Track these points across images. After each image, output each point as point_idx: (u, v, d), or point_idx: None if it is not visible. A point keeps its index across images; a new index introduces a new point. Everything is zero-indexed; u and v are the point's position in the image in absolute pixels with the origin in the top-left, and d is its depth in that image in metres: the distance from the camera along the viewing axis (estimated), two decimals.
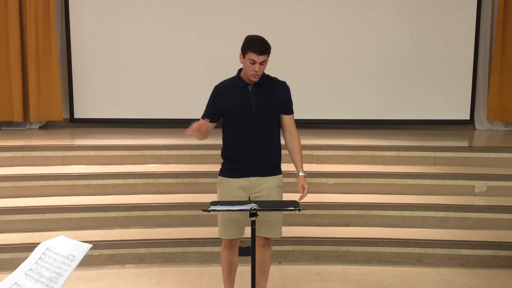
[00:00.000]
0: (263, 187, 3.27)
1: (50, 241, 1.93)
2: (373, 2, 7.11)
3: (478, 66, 7.22)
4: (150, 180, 5.14)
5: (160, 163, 5.50)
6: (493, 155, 5.58)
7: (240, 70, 3.27)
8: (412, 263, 4.43)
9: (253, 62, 3.10)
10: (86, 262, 4.10)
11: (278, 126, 3.34)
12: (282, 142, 3.35)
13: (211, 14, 7.02)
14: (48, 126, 7.19)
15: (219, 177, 3.36)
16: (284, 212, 3.53)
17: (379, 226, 4.78)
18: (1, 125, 7.01)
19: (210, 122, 3.22)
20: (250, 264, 2.82)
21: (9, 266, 4.11)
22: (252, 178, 3.27)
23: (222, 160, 3.38)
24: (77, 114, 7.14)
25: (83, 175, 5.15)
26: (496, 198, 5.08)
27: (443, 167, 5.46)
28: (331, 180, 5.19)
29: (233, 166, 3.29)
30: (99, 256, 4.33)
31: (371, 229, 4.72)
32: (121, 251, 4.39)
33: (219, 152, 3.39)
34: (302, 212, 2.88)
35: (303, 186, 3.26)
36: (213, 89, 3.32)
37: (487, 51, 7.21)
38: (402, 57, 7.15)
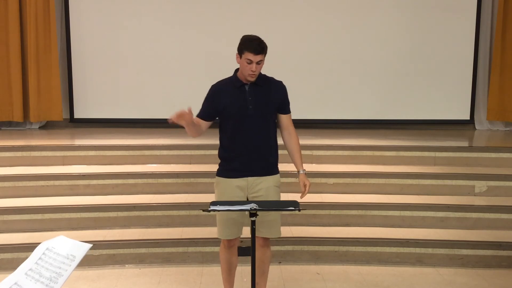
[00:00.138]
0: (261, 186, 3.27)
1: (50, 241, 1.93)
2: (373, 2, 7.11)
3: (478, 66, 7.22)
4: (150, 180, 5.15)
5: (160, 163, 5.50)
6: (493, 155, 5.58)
7: (236, 70, 3.27)
8: (412, 263, 4.43)
9: (250, 62, 3.10)
10: (86, 262, 4.10)
11: (274, 126, 3.34)
12: (279, 142, 3.35)
13: (211, 14, 7.02)
14: (48, 126, 7.19)
15: (217, 177, 3.36)
16: (284, 212, 3.53)
17: (379, 226, 4.78)
18: (1, 125, 7.01)
19: (204, 121, 3.24)
20: (250, 264, 2.82)
21: (9, 266, 4.11)
22: (249, 178, 3.27)
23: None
24: (77, 114, 7.15)
25: (83, 175, 5.15)
26: (496, 198, 5.08)
27: (443, 167, 5.46)
28: (331, 180, 5.19)
29: (230, 166, 3.29)
30: (99, 256, 4.33)
31: (371, 229, 4.72)
32: (121, 251, 4.39)
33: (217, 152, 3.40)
34: (302, 212, 2.87)
35: (304, 183, 3.25)
36: (210, 88, 3.32)
37: (487, 51, 7.21)
38: (402, 57, 7.15)
